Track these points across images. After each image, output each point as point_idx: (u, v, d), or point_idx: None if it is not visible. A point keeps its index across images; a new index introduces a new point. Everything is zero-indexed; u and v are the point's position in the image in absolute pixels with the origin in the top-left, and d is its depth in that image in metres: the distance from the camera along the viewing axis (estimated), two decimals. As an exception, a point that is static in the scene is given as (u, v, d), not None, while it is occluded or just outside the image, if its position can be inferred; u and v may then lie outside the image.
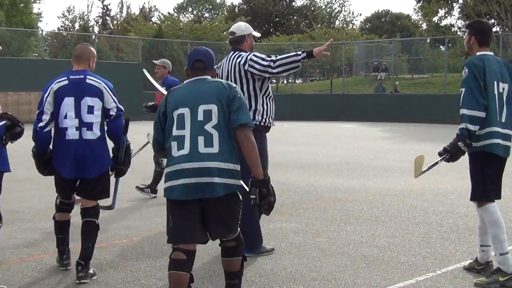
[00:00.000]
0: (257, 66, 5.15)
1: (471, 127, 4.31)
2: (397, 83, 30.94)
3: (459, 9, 37.95)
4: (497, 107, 4.45)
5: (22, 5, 44.53)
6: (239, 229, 3.73)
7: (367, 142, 16.36)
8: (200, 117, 3.56)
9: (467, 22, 4.86)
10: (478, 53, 4.54)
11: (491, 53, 4.59)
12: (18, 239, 5.76)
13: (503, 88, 4.50)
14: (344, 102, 28.58)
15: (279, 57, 5.16)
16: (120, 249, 5.47)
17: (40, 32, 36.19)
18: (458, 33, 41.21)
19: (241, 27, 5.43)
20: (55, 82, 4.59)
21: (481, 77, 4.36)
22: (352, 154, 13.37)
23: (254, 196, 3.63)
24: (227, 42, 5.78)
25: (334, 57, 33.48)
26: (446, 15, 39.81)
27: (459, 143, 4.35)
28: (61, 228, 4.86)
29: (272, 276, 4.62)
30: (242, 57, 5.24)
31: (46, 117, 4.53)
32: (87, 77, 4.61)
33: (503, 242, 4.38)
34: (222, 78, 5.34)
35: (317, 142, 15.95)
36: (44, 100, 4.53)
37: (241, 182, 3.65)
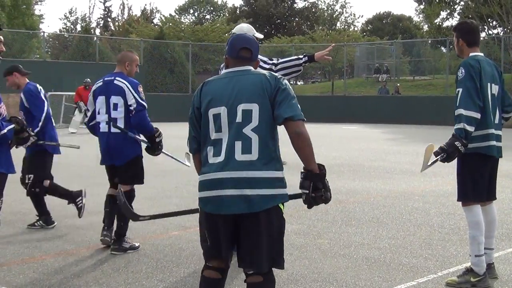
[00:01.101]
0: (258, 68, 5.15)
1: (468, 127, 4.29)
2: (398, 84, 30.95)
3: (460, 11, 37.92)
4: (491, 108, 4.45)
5: (24, 6, 44.54)
6: (276, 261, 3.15)
7: (369, 144, 16.36)
8: (239, 118, 3.07)
9: (453, 25, 4.82)
10: (470, 54, 4.52)
11: (482, 54, 4.58)
12: (19, 240, 5.77)
13: (496, 90, 4.52)
14: (346, 104, 28.60)
15: (280, 60, 5.18)
16: (122, 250, 5.46)
17: (42, 33, 36.24)
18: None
19: (244, 28, 5.43)
20: (96, 83, 5.54)
21: (477, 78, 4.35)
22: (353, 155, 13.37)
23: (307, 191, 3.10)
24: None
25: (335, 59, 33.47)
26: (448, 17, 39.80)
27: (456, 143, 4.31)
28: (108, 201, 5.53)
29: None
30: (244, 59, 5.23)
31: (89, 114, 5.59)
32: (116, 78, 5.43)
33: (480, 244, 4.39)
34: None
35: (319, 143, 15.92)
36: (89, 99, 5.56)
37: (286, 190, 3.15)
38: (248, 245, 3.09)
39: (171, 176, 9.98)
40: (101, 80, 5.49)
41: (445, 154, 4.37)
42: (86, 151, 14.26)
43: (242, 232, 3.10)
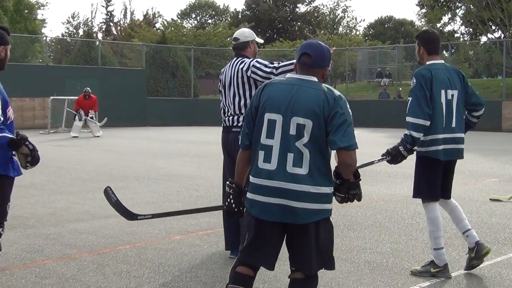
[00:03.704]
0: (259, 72, 5.17)
1: (415, 134, 4.63)
2: (400, 89, 30.94)
3: (462, 15, 37.94)
4: (443, 114, 4.69)
5: (26, 11, 44.73)
6: (327, 264, 3.29)
7: (371, 148, 16.33)
8: (293, 131, 3.14)
9: (416, 33, 5.13)
10: (428, 62, 4.78)
11: (441, 61, 4.84)
12: (21, 245, 5.76)
13: (452, 95, 4.75)
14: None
15: (281, 63, 5.19)
16: (123, 255, 5.46)
17: (44, 38, 36.32)
18: (461, 39, 41.20)
19: (245, 33, 5.46)
20: None
21: (427, 87, 4.63)
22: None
23: (343, 195, 3.30)
24: (231, 48, 5.81)
25: (337, 63, 33.49)
26: (450, 21, 39.86)
27: (400, 148, 4.70)
28: None
29: (275, 282, 4.61)
30: (245, 63, 5.26)
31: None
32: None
33: (437, 239, 4.73)
34: (225, 84, 5.36)
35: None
36: None
37: (331, 205, 3.25)
38: (297, 252, 3.24)
39: (173, 180, 9.98)
40: None
41: (389, 156, 4.78)
42: (87, 155, 14.31)
43: (291, 239, 3.24)
